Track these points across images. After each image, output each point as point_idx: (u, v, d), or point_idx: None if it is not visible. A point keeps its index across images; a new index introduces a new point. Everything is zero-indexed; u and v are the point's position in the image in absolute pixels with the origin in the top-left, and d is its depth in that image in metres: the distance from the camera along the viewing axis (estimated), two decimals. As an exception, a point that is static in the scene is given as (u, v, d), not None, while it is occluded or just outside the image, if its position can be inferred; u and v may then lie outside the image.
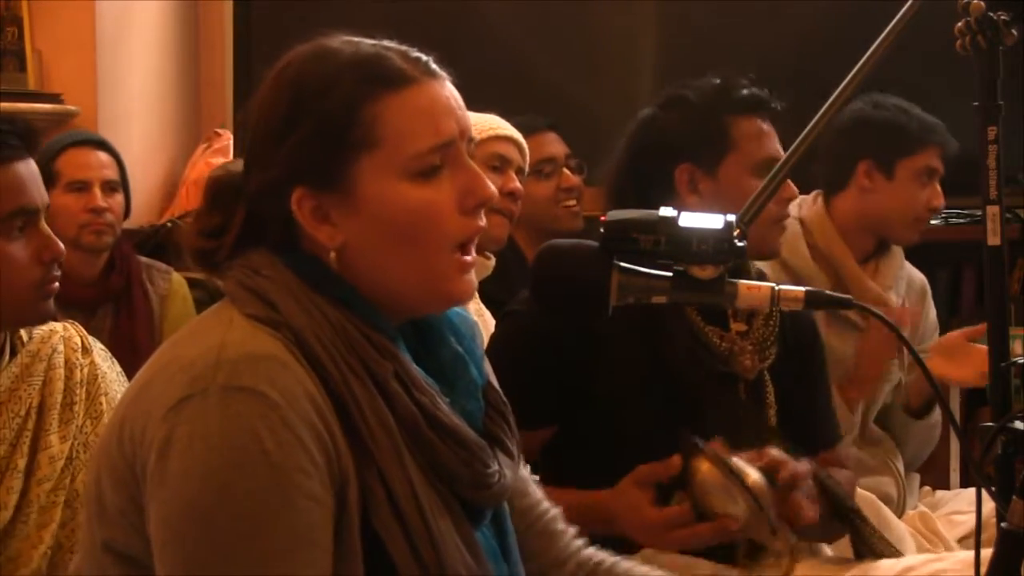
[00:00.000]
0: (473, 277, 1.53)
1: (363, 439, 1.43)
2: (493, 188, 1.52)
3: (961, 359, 3.00)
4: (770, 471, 2.12)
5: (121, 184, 3.51)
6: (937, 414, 3.16)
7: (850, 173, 3.09)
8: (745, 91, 2.42)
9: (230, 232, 1.53)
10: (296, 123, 1.48)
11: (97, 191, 3.42)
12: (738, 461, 2.12)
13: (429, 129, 1.48)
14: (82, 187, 3.41)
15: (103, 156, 3.48)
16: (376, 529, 1.43)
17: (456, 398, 1.54)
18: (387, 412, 1.45)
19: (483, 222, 1.52)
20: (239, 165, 1.56)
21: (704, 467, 2.12)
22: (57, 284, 2.05)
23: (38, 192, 2.03)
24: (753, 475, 2.10)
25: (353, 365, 1.45)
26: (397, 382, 1.46)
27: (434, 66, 1.52)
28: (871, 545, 2.40)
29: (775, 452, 2.19)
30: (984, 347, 2.99)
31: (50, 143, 3.40)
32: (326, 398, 1.43)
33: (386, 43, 1.52)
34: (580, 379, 2.28)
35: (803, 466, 2.17)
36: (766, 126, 2.41)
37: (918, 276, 3.31)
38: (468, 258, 1.52)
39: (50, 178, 3.29)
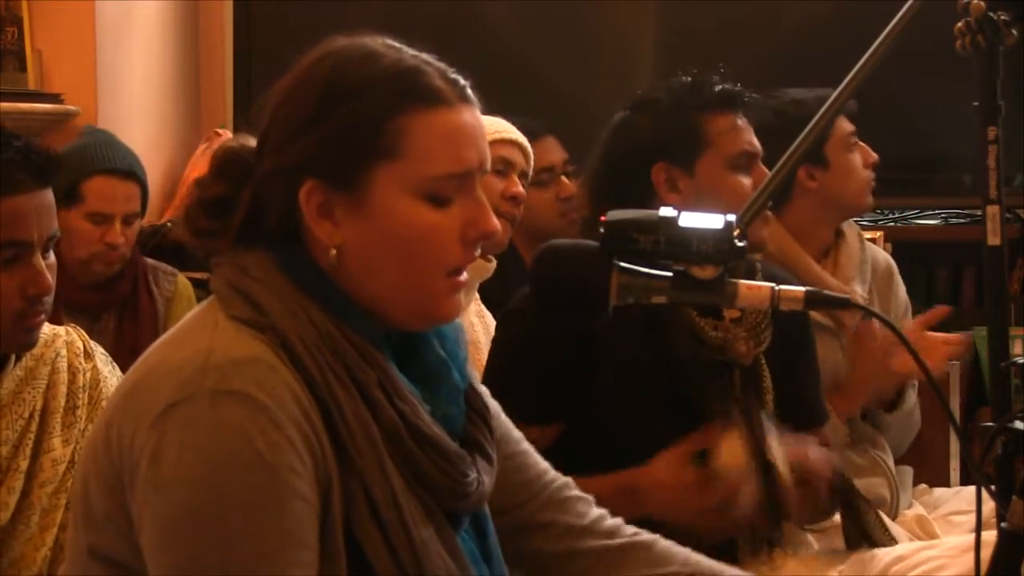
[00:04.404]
0: (461, 297, 1.53)
1: (345, 445, 1.44)
2: (496, 223, 1.52)
3: (920, 351, 2.98)
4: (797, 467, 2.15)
5: (141, 207, 3.46)
6: (910, 403, 3.14)
7: (791, 183, 3.07)
8: (716, 88, 2.41)
9: (236, 212, 1.51)
10: (323, 118, 1.47)
11: (117, 226, 3.36)
12: (773, 449, 2.13)
13: (451, 155, 1.48)
14: (103, 219, 3.35)
15: (130, 188, 3.40)
16: (356, 536, 1.43)
17: (438, 402, 1.54)
18: (370, 419, 1.45)
19: (478, 252, 1.52)
20: (250, 140, 1.54)
21: (727, 445, 2.13)
22: (43, 317, 2.04)
23: (39, 226, 2.00)
24: (780, 466, 2.11)
25: (338, 371, 1.45)
26: (380, 390, 1.46)
27: (469, 91, 1.52)
28: (865, 530, 2.41)
29: (814, 452, 2.20)
30: (938, 336, 3.00)
31: (84, 158, 3.33)
32: (312, 401, 1.43)
33: (426, 57, 1.52)
34: (582, 376, 2.28)
35: (827, 468, 2.20)
36: (740, 121, 2.41)
37: (883, 257, 3.30)
38: (460, 279, 1.52)
39: (74, 196, 3.27)
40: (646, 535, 1.74)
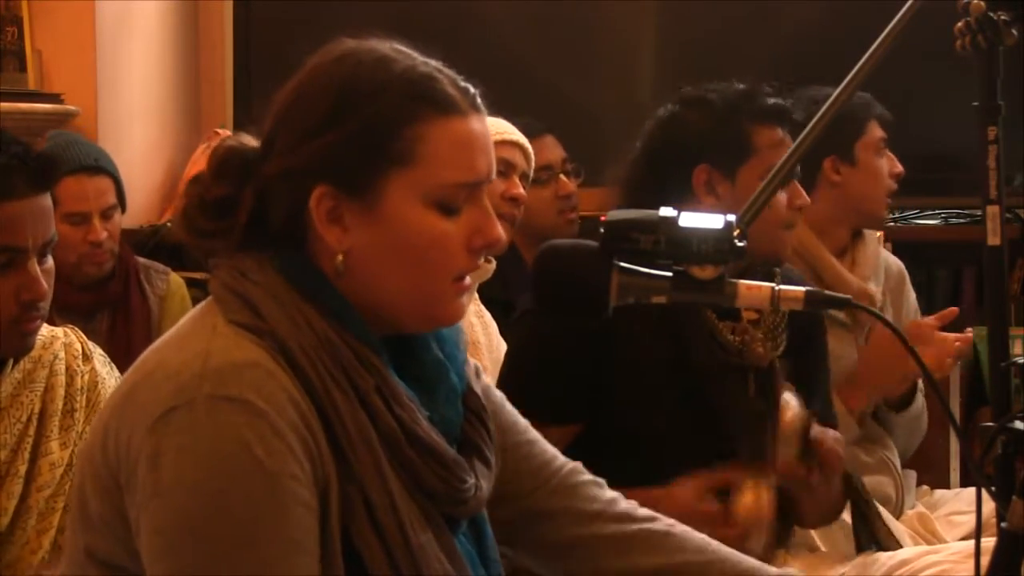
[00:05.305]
0: (465, 300, 1.54)
1: (344, 451, 1.43)
2: (501, 232, 1.52)
3: (923, 347, 2.99)
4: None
5: (118, 199, 3.45)
6: (918, 405, 3.14)
7: (816, 174, 3.10)
8: (769, 100, 2.43)
9: (238, 214, 1.50)
10: (337, 121, 1.46)
11: (96, 222, 3.36)
12: (788, 404, 2.12)
13: (464, 164, 1.49)
14: (81, 219, 3.35)
15: (101, 182, 3.40)
16: (354, 541, 1.43)
17: (436, 405, 1.54)
18: (368, 425, 1.44)
19: (482, 261, 1.53)
20: (249, 139, 1.53)
21: (747, 498, 2.12)
22: (39, 322, 2.04)
23: (34, 231, 2.00)
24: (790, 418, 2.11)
25: (336, 377, 1.44)
26: (378, 396, 1.46)
27: (479, 100, 1.52)
28: (874, 532, 2.42)
29: (833, 438, 2.24)
30: (950, 335, 3.00)
31: None
32: (310, 406, 1.42)
33: (436, 64, 1.52)
34: (599, 375, 2.29)
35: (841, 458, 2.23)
36: (786, 137, 2.42)
37: (895, 262, 3.33)
38: (465, 283, 1.52)
39: None
40: (662, 522, 1.72)
